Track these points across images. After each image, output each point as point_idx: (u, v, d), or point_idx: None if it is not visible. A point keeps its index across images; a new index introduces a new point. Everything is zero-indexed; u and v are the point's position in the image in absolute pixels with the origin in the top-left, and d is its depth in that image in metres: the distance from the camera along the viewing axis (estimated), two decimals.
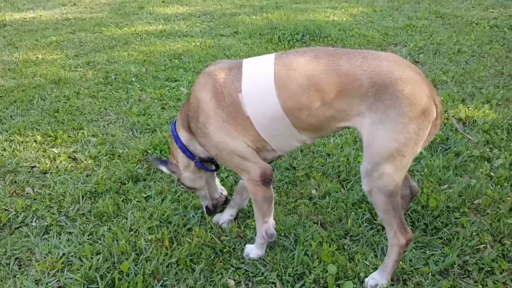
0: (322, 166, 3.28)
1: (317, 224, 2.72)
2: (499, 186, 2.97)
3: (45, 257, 2.49)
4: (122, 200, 2.94)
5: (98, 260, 2.42)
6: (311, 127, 2.26)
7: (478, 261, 2.40)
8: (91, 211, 2.83)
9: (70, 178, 3.19)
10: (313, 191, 3.01)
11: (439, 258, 2.44)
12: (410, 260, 2.43)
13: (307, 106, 2.17)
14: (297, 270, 2.37)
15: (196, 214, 2.79)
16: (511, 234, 2.56)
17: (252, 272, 2.39)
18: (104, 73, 5.33)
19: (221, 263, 2.40)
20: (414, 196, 2.60)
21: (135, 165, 3.32)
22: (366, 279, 2.31)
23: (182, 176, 2.61)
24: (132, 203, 2.91)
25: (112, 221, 2.74)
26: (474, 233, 2.57)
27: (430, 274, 2.34)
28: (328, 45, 5.96)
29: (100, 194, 3.02)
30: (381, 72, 2.07)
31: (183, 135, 2.50)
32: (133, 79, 5.10)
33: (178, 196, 2.96)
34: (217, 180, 2.78)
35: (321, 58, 2.17)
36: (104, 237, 2.60)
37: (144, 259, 2.41)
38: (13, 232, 2.71)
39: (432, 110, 2.10)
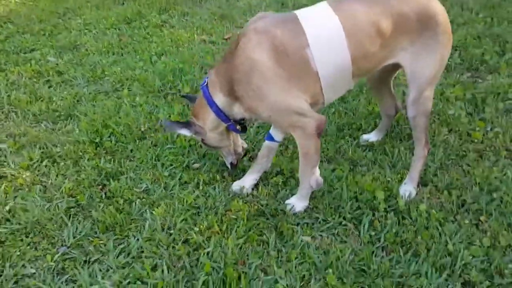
0: None
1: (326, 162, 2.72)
2: None
3: None
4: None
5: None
6: (364, 72, 2.29)
7: None
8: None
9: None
10: None
11: None
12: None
13: (370, 52, 2.18)
14: (352, 206, 2.33)
15: (217, 191, 2.46)
16: None
17: (315, 223, 2.26)
18: None
19: (285, 225, 2.23)
20: (396, 114, 2.84)
21: None
22: (400, 191, 2.41)
23: (207, 136, 2.39)
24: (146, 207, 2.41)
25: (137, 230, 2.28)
26: None
27: None
28: None
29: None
30: (422, 6, 2.18)
31: (220, 99, 2.25)
32: None
33: (180, 179, 2.56)
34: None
35: (375, 2, 2.17)
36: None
37: (211, 252, 2.09)
38: None
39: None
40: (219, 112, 2.29)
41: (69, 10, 5.36)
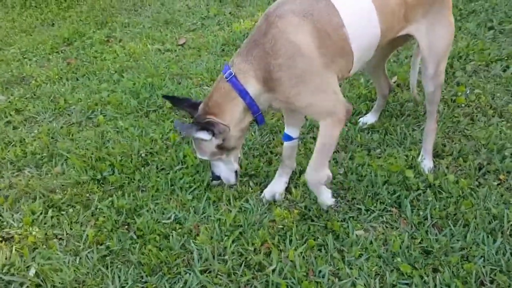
0: None
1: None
2: None
3: None
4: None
5: None
6: (384, 43, 2.26)
7: None
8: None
9: None
10: None
11: None
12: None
13: (395, 25, 2.18)
14: (388, 190, 2.30)
15: (251, 203, 2.30)
16: None
17: (359, 215, 2.20)
18: None
19: (336, 224, 2.14)
20: (389, 93, 2.87)
21: None
22: (422, 165, 2.44)
23: (229, 135, 2.12)
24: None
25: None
26: None
27: None
28: None
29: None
30: None
31: (254, 88, 2.03)
32: None
33: (207, 199, 2.36)
34: None
35: None
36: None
37: (277, 270, 1.96)
38: None
39: None
40: (253, 103, 2.06)
41: None
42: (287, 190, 2.39)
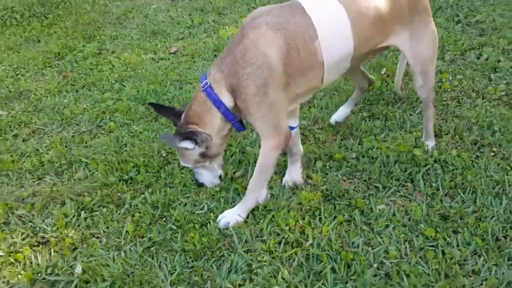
0: None
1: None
2: None
3: None
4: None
5: None
6: (360, 57, 2.30)
7: None
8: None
9: None
10: None
11: None
12: None
13: (369, 38, 2.20)
14: (400, 168, 2.48)
15: (276, 190, 2.41)
16: None
17: (378, 192, 2.36)
18: None
19: (360, 200, 2.29)
20: (370, 86, 2.97)
21: None
22: (427, 146, 2.61)
23: (211, 143, 2.20)
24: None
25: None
26: None
27: None
28: None
29: None
30: None
31: (226, 98, 2.10)
32: None
33: (234, 190, 2.46)
34: None
35: None
36: None
37: (315, 244, 2.09)
38: None
39: None
40: (227, 112, 2.13)
41: None
42: (307, 176, 2.54)
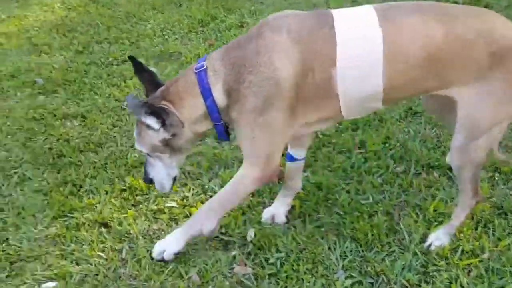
0: None
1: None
2: None
3: None
4: None
5: None
6: (401, 98, 1.96)
7: None
8: None
9: None
10: None
11: None
12: None
13: (414, 80, 1.72)
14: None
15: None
16: None
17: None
18: None
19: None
20: None
21: None
22: (431, 240, 2.07)
23: (181, 132, 1.82)
24: None
25: None
26: None
27: None
28: None
29: None
30: (500, 37, 1.67)
31: (219, 96, 1.76)
32: None
33: None
34: None
35: (434, 19, 1.67)
36: None
37: None
38: None
39: None
40: (214, 109, 1.77)
41: (130, 15, 4.90)
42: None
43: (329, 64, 1.64)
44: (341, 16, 1.69)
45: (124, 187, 2.48)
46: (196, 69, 1.79)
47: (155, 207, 2.35)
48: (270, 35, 1.67)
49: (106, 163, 2.68)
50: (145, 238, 2.18)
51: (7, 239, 2.19)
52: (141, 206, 2.37)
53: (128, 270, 2.02)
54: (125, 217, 2.28)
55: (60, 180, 2.55)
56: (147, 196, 2.42)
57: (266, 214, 2.20)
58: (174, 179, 2.01)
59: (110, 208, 2.34)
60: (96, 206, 2.36)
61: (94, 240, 2.16)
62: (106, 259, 2.07)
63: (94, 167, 2.65)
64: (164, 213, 2.32)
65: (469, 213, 2.04)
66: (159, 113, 1.77)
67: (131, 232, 2.20)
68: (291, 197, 2.23)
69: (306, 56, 1.65)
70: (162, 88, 1.87)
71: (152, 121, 1.78)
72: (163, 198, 2.39)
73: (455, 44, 1.66)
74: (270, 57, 1.65)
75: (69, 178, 2.54)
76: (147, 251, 2.08)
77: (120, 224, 2.24)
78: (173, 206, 2.35)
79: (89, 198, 2.42)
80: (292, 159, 2.13)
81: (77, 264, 2.06)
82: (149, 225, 2.24)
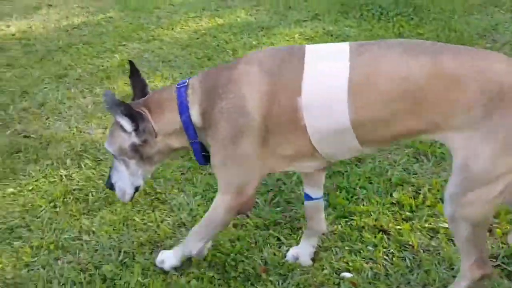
0: None
1: None
2: None
3: None
4: None
5: None
6: (382, 140, 1.71)
7: None
8: None
9: None
10: None
11: None
12: None
13: (387, 118, 1.58)
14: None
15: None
16: None
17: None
18: None
19: None
20: None
21: None
22: None
23: (152, 141, 1.85)
24: None
25: None
26: None
27: None
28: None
29: None
30: (495, 77, 1.46)
31: (196, 116, 1.80)
32: None
33: None
34: None
35: (416, 53, 1.54)
36: None
37: None
38: None
39: None
40: (188, 124, 1.81)
41: None
42: None
43: (294, 93, 1.65)
44: (313, 50, 1.71)
45: (393, 201, 2.63)
46: (178, 85, 1.89)
47: (427, 225, 2.44)
48: (243, 66, 1.77)
49: (369, 176, 2.87)
50: (425, 252, 2.28)
51: None
52: (413, 221, 2.48)
53: (416, 277, 2.13)
54: (401, 229, 2.42)
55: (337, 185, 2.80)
56: (417, 214, 2.53)
57: (290, 254, 2.20)
58: (137, 189, 2.02)
59: (386, 218, 2.50)
60: (371, 214, 2.55)
61: (377, 243, 2.34)
62: (392, 263, 2.23)
63: (359, 179, 2.86)
64: (438, 232, 2.39)
65: (469, 285, 1.73)
66: (135, 117, 1.83)
67: (410, 243, 2.33)
68: (315, 239, 2.20)
69: (273, 88, 1.68)
70: (147, 96, 1.97)
71: (126, 123, 1.84)
72: (433, 218, 2.47)
73: (437, 82, 1.49)
74: (240, 86, 1.72)
75: (342, 185, 2.79)
76: (433, 264, 2.17)
77: (400, 234, 2.38)
78: (447, 228, 2.40)
79: (363, 204, 2.62)
80: (308, 198, 2.11)
81: (366, 262, 2.25)
82: (428, 241, 2.34)
